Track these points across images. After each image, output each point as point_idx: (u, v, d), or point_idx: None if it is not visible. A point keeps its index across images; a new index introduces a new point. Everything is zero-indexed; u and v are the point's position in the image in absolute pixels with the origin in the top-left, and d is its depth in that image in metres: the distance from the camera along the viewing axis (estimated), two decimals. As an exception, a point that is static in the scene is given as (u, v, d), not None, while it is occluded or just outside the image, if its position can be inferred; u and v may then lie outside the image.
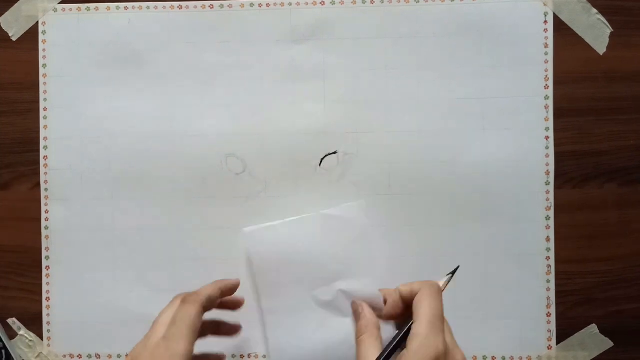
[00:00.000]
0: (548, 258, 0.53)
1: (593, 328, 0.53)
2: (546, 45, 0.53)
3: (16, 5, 0.55)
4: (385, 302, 0.47)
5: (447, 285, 0.45)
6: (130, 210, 0.54)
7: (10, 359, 0.54)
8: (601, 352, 0.53)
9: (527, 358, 0.53)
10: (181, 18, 0.54)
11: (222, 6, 0.54)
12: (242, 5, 0.54)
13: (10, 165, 0.55)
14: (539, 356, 0.53)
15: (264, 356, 0.54)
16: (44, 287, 0.55)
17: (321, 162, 0.53)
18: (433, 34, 0.53)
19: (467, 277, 0.53)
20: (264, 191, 0.54)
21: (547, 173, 0.53)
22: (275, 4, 0.54)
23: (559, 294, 0.53)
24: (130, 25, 0.54)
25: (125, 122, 0.54)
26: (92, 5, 0.54)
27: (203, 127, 0.54)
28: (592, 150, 0.53)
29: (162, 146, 0.54)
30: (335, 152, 0.53)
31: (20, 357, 0.55)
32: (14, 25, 0.55)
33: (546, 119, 0.53)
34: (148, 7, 0.54)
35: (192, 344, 0.42)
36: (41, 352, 0.55)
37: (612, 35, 0.53)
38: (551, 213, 0.53)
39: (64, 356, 0.54)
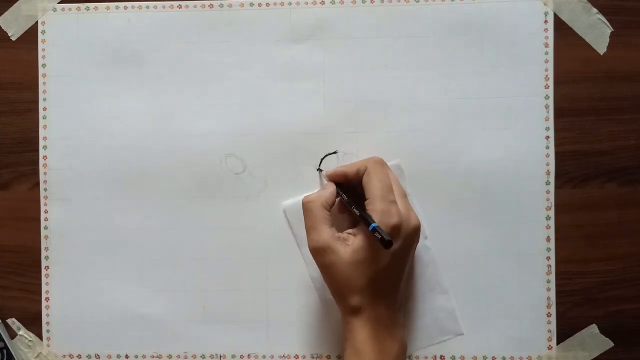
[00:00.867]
0: (548, 258, 0.53)
1: (593, 328, 0.53)
2: (547, 45, 0.53)
3: (16, 5, 0.55)
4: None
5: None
6: (130, 210, 0.54)
7: (12, 359, 0.54)
8: (601, 352, 0.53)
9: (527, 358, 0.53)
10: (181, 18, 0.54)
11: (222, 6, 0.54)
12: (242, 5, 0.54)
13: (10, 165, 0.55)
14: (539, 356, 0.53)
15: (264, 356, 0.54)
16: (44, 287, 0.55)
17: (321, 162, 0.53)
18: (433, 33, 0.53)
19: (467, 277, 0.53)
20: (264, 191, 0.54)
21: (548, 173, 0.53)
22: (275, 4, 0.54)
23: (559, 294, 0.53)
24: (130, 25, 0.54)
25: (125, 122, 0.54)
26: (92, 5, 0.54)
27: (203, 127, 0.54)
28: (593, 150, 0.53)
29: (162, 146, 0.54)
30: (335, 152, 0.53)
31: (21, 357, 0.55)
32: (14, 25, 0.55)
33: (547, 119, 0.53)
34: (148, 7, 0.54)
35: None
36: (41, 353, 0.54)
37: (612, 35, 0.53)
38: (552, 213, 0.53)
39: (64, 356, 0.54)
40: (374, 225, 0.44)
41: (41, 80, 0.54)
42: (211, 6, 0.54)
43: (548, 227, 0.53)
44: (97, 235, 0.54)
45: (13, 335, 0.55)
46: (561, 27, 0.53)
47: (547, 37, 0.53)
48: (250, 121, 0.54)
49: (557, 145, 0.53)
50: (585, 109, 0.53)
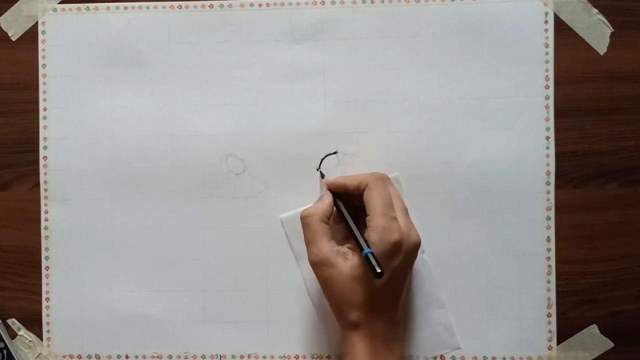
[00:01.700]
0: (548, 258, 0.53)
1: (593, 328, 0.53)
2: (547, 45, 0.53)
3: (16, 5, 0.55)
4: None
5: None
6: (130, 210, 0.54)
7: (12, 359, 0.54)
8: (602, 352, 0.53)
9: (527, 358, 0.53)
10: (181, 18, 0.54)
11: (222, 6, 0.54)
12: (242, 5, 0.54)
13: (10, 165, 0.55)
14: (539, 356, 0.53)
15: (264, 356, 0.54)
16: (44, 287, 0.55)
17: (321, 162, 0.53)
18: (433, 33, 0.53)
19: (467, 278, 0.53)
20: (264, 191, 0.54)
21: (548, 173, 0.53)
22: (275, 4, 0.54)
23: (559, 294, 0.53)
24: (130, 25, 0.54)
25: (125, 122, 0.54)
26: (92, 5, 0.54)
27: (203, 127, 0.54)
28: (593, 150, 0.53)
29: (162, 146, 0.54)
30: (335, 152, 0.53)
31: (21, 357, 0.55)
32: (14, 25, 0.55)
33: (547, 119, 0.53)
34: (148, 7, 0.54)
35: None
36: (41, 353, 0.54)
37: (612, 35, 0.53)
38: (552, 213, 0.53)
39: (64, 356, 0.54)
40: (366, 251, 0.44)
41: (41, 80, 0.54)
42: (211, 6, 0.54)
43: (548, 227, 0.53)
44: (97, 235, 0.54)
45: (13, 335, 0.55)
46: (561, 27, 0.53)
47: (547, 37, 0.53)
48: (250, 121, 0.54)
49: (557, 145, 0.53)
50: (585, 109, 0.53)
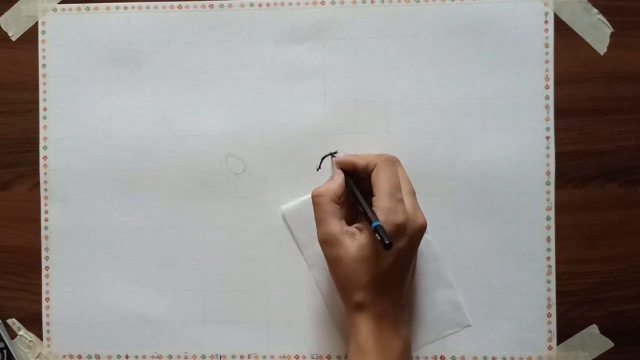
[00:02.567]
0: (548, 258, 0.53)
1: (593, 328, 0.53)
2: (547, 45, 0.53)
3: (16, 5, 0.55)
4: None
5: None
6: (130, 210, 0.54)
7: (12, 359, 0.54)
8: (601, 352, 0.53)
9: (527, 358, 0.53)
10: (181, 18, 0.54)
11: (222, 6, 0.54)
12: (242, 5, 0.54)
13: (10, 165, 0.55)
14: (539, 356, 0.53)
15: (264, 356, 0.54)
16: (44, 287, 0.55)
17: (321, 162, 0.53)
18: (433, 33, 0.53)
19: (468, 278, 0.53)
20: (264, 191, 0.54)
21: (548, 173, 0.53)
22: (275, 4, 0.54)
23: (559, 294, 0.53)
24: (130, 25, 0.54)
25: (125, 122, 0.54)
26: (92, 5, 0.54)
27: (203, 127, 0.54)
28: (593, 150, 0.53)
29: (162, 146, 0.54)
30: (335, 152, 0.53)
31: (21, 357, 0.55)
32: (14, 25, 0.55)
33: (547, 119, 0.53)
34: (148, 7, 0.54)
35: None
36: (41, 353, 0.54)
37: (612, 35, 0.53)
38: (552, 213, 0.53)
39: (64, 356, 0.54)
40: (375, 224, 0.44)
41: (41, 80, 0.54)
42: (211, 6, 0.54)
43: (548, 227, 0.53)
44: (97, 235, 0.54)
45: (13, 335, 0.55)
46: (561, 27, 0.53)
47: (547, 37, 0.53)
48: (250, 121, 0.54)
49: (557, 145, 0.53)
50: (586, 109, 0.53)
